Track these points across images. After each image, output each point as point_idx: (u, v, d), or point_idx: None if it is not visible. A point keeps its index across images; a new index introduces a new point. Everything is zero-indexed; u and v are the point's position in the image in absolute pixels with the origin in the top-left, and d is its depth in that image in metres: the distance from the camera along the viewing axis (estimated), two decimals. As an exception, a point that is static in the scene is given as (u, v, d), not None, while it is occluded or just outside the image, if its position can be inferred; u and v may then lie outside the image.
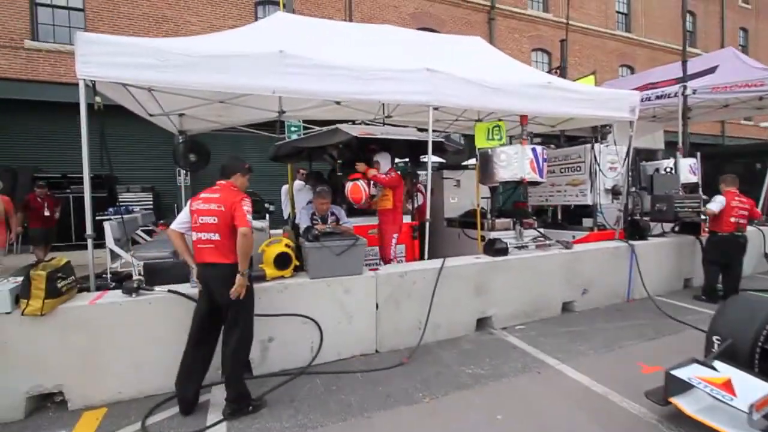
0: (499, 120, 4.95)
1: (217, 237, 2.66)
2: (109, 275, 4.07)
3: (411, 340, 3.69)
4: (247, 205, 2.71)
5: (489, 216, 5.53)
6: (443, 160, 8.22)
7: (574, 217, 7.90)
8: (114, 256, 4.21)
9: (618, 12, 17.78)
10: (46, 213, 7.17)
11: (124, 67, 3.16)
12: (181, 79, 3.39)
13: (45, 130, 10.04)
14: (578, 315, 4.67)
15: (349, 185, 4.45)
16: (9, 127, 9.83)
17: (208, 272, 2.69)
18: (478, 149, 5.02)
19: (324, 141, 4.38)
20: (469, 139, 7.12)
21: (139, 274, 3.35)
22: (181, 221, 2.81)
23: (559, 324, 4.35)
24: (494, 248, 4.24)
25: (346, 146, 5.13)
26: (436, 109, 4.22)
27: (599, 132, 6.19)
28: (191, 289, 2.98)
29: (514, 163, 4.50)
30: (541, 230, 5.48)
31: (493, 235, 5.19)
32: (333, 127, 4.54)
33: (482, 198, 5.44)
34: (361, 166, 4.47)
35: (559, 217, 7.57)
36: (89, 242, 3.15)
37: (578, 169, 6.23)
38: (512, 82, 4.41)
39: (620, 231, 5.49)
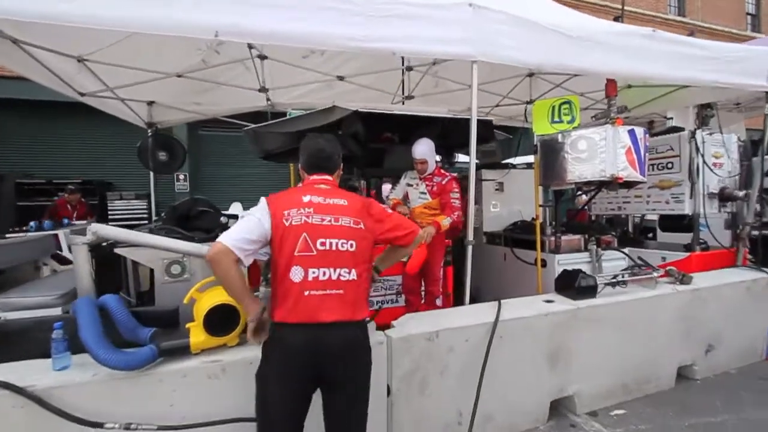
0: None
1: (352, 276, 1.57)
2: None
3: (446, 445, 2.20)
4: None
5: (550, 230, 3.98)
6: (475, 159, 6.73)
7: (645, 231, 6.22)
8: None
9: (670, -6, 15.77)
10: (74, 222, 6.11)
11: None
12: (80, 11, 2.06)
13: (25, 133, 9.14)
14: (702, 386, 3.03)
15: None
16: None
17: (328, 337, 1.54)
18: (539, 137, 3.50)
19: (314, 122, 2.98)
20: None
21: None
22: (245, 236, 1.51)
23: (679, 406, 2.74)
24: (577, 286, 2.69)
25: (352, 137, 3.71)
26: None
27: (700, 115, 4.51)
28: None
29: (601, 153, 2.95)
30: (624, 250, 3.86)
31: (560, 259, 3.63)
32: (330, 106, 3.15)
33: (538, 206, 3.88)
34: (401, 210, 3.14)
35: (630, 230, 5.89)
36: None
37: (669, 166, 4.55)
38: (599, 29, 2.87)
39: (744, 252, 3.81)
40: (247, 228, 1.50)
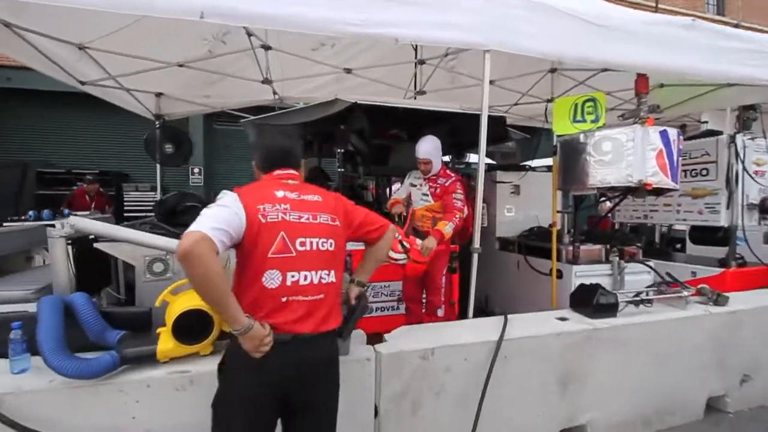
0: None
1: (332, 278, 1.44)
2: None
3: (439, 475, 1.98)
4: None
5: (568, 239, 3.68)
6: (492, 161, 6.41)
7: (672, 241, 5.78)
8: None
9: (708, -8, 14.95)
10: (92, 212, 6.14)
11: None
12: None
13: (45, 123, 9.36)
14: (735, 420, 2.70)
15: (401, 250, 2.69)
16: (4, 118, 9.21)
17: (310, 351, 1.38)
18: (559, 137, 3.22)
19: (314, 114, 2.79)
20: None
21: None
22: (224, 227, 1.26)
23: (710, 444, 2.43)
24: (595, 303, 2.41)
25: (358, 133, 3.52)
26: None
27: (741, 117, 4.11)
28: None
29: (628, 156, 2.65)
30: (650, 263, 3.53)
31: (578, 270, 3.34)
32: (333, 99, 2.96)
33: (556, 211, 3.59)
34: (396, 209, 2.99)
35: (657, 240, 5.49)
36: None
37: (704, 173, 4.17)
38: (629, 18, 2.57)
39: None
40: (224, 218, 1.25)
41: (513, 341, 2.13)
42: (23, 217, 3.79)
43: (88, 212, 5.40)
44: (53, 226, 2.11)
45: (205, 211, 1.28)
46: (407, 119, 3.21)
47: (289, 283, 1.33)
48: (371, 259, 1.66)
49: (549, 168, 5.48)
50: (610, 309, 2.43)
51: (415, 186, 2.96)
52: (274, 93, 4.48)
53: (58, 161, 9.08)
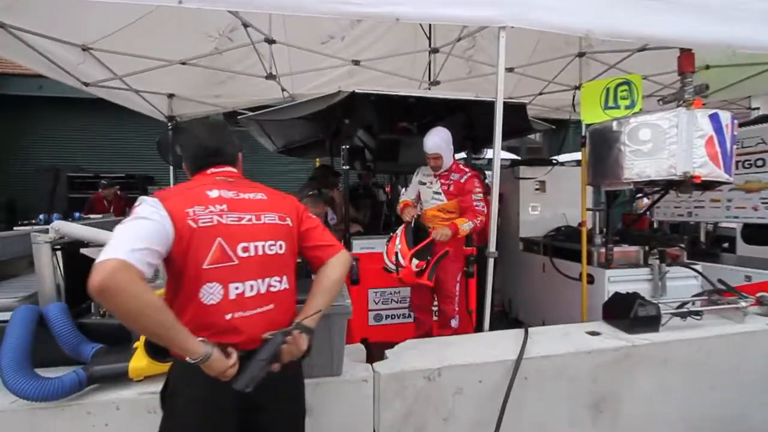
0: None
1: (285, 285, 1.26)
2: None
3: None
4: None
5: (600, 239, 3.32)
6: (515, 156, 6.06)
7: (718, 240, 5.22)
8: None
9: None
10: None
11: None
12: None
13: (76, 128, 9.70)
14: (806, 455, 2.29)
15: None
16: (38, 125, 9.62)
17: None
18: (588, 127, 2.88)
19: (314, 107, 2.60)
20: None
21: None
22: (147, 245, 1.03)
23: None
24: (633, 316, 2.08)
25: (365, 128, 3.30)
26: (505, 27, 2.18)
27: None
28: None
29: (671, 145, 2.29)
30: (697, 267, 3.12)
31: (611, 275, 2.99)
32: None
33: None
34: (408, 212, 2.61)
35: (702, 240, 4.97)
36: None
37: (759, 164, 3.68)
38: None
39: None
40: (145, 234, 1.03)
41: (535, 360, 1.85)
42: (33, 221, 3.82)
43: (100, 216, 5.47)
44: (47, 231, 2.01)
45: (119, 229, 1.04)
46: (418, 111, 2.96)
47: (232, 296, 1.12)
48: (318, 290, 1.25)
49: (578, 162, 5.08)
50: (651, 322, 2.09)
51: (425, 184, 2.71)
52: (283, 90, 4.33)
53: (88, 165, 9.38)
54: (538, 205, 4.24)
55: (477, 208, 2.54)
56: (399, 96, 2.44)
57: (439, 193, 2.58)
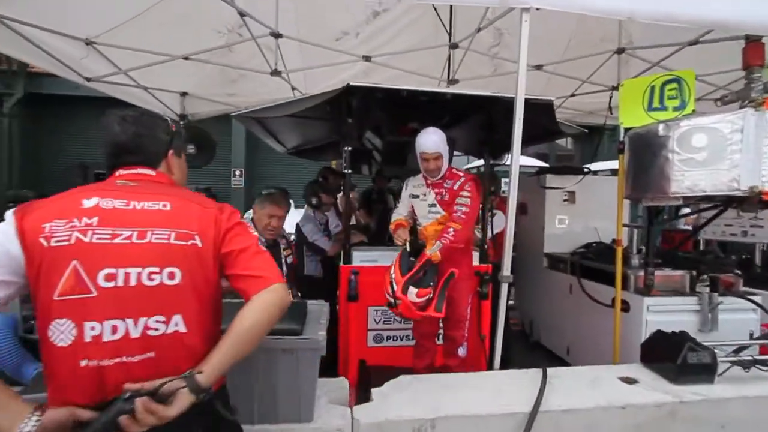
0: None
1: (174, 328, 0.93)
2: None
3: None
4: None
5: (638, 260, 2.90)
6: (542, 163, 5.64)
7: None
8: None
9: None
10: None
11: None
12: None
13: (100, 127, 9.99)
14: None
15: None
16: (71, 124, 9.93)
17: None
18: (627, 131, 2.49)
19: (304, 104, 2.35)
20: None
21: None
22: None
23: None
24: (681, 363, 1.68)
25: (375, 131, 3.04)
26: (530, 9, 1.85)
27: None
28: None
29: (733, 154, 1.88)
30: (755, 299, 2.64)
31: (651, 304, 2.57)
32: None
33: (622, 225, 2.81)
34: (400, 234, 2.25)
35: (758, 262, 4.37)
36: None
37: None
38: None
39: None
40: None
41: (554, 414, 1.50)
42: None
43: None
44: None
45: None
46: (431, 111, 2.66)
47: (88, 338, 0.86)
48: (227, 337, 0.93)
49: (613, 172, 4.61)
50: (704, 372, 1.69)
51: (417, 197, 2.31)
52: (294, 89, 4.14)
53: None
54: (565, 218, 3.83)
55: (455, 215, 2.15)
56: (396, 90, 2.15)
57: (435, 205, 2.25)
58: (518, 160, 1.73)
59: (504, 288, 1.87)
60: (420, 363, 2.32)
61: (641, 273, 2.72)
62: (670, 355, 1.74)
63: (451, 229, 2.10)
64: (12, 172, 9.31)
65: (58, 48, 2.96)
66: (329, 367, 2.33)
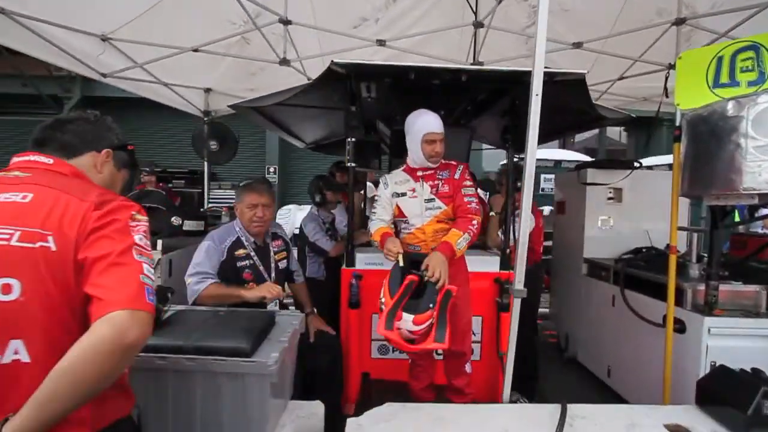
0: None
1: (19, 357, 0.74)
2: None
3: None
4: (139, 232, 0.84)
5: (697, 270, 2.41)
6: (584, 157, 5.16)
7: None
8: None
9: None
10: None
11: None
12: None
13: (150, 127, 10.50)
14: None
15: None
16: (123, 124, 10.52)
17: None
18: (684, 113, 2.04)
19: (300, 88, 2.13)
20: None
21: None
22: None
23: None
24: (752, 412, 1.28)
25: (386, 120, 2.78)
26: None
27: None
28: None
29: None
30: None
31: (713, 326, 2.11)
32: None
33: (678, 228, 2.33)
34: (390, 248, 1.82)
35: None
36: None
37: None
38: None
39: None
40: None
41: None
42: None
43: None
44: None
45: None
46: (448, 97, 2.35)
47: None
48: (48, 377, 0.69)
49: (670, 166, 4.02)
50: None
51: (404, 194, 1.98)
52: (309, 80, 3.98)
53: (159, 161, 10.11)
54: (609, 219, 3.34)
55: (470, 206, 1.87)
56: (393, 68, 1.87)
57: (433, 200, 1.93)
58: (535, 147, 1.40)
59: (516, 304, 1.54)
60: (417, 384, 2.03)
61: (701, 286, 2.24)
62: (736, 401, 1.33)
63: (475, 221, 1.85)
64: (71, 169, 10.07)
65: (75, 45, 2.99)
66: (331, 380, 2.12)
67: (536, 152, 1.41)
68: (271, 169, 10.09)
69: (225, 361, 1.08)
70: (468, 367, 1.96)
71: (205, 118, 4.77)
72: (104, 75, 3.33)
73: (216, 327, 1.21)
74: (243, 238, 1.97)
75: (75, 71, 3.24)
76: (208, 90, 4.68)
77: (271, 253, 2.07)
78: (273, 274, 2.04)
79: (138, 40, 3.22)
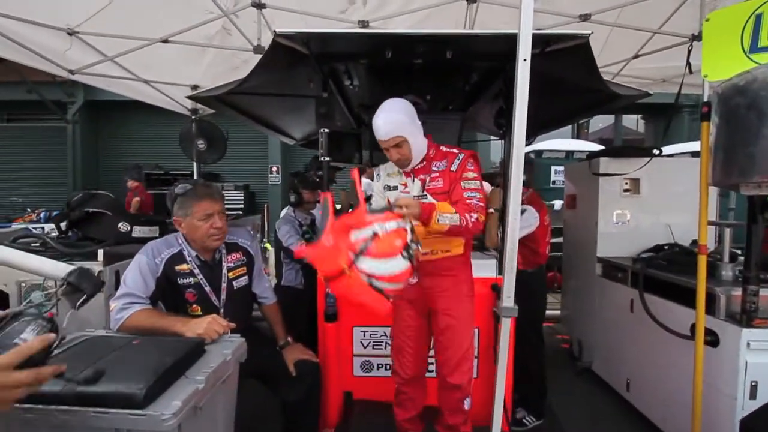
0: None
1: None
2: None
3: None
4: None
5: (731, 272, 2.07)
6: (599, 146, 4.81)
7: None
8: None
9: None
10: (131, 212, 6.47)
11: None
12: None
13: (154, 129, 10.47)
14: None
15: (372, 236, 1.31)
16: (128, 127, 10.51)
17: None
18: (714, 86, 1.70)
19: (258, 71, 1.86)
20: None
21: None
22: None
23: None
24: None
25: (365, 108, 2.50)
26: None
27: None
28: None
29: None
30: None
31: (753, 339, 1.78)
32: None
33: (708, 223, 1.99)
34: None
35: None
36: None
37: None
38: None
39: None
40: None
41: None
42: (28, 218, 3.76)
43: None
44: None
45: None
46: (432, 78, 2.06)
47: None
48: None
49: (695, 154, 3.61)
50: None
51: (395, 188, 1.73)
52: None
53: (163, 164, 10.07)
54: (626, 213, 2.99)
55: (470, 203, 1.55)
56: (351, 35, 1.58)
57: (425, 196, 1.64)
58: (523, 126, 1.10)
59: (505, 324, 1.25)
60: (402, 414, 1.73)
61: (737, 291, 1.90)
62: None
63: (475, 215, 1.52)
64: (75, 173, 10.09)
65: (40, 41, 2.79)
66: (306, 410, 1.85)
67: (524, 134, 1.11)
68: (274, 169, 9.92)
69: (107, 414, 0.82)
70: (467, 403, 1.64)
71: (193, 117, 4.58)
72: (72, 72, 3.14)
73: (115, 363, 0.96)
74: (185, 253, 1.62)
75: (43, 69, 3.05)
76: (195, 87, 4.47)
77: (223, 270, 1.67)
78: (223, 296, 1.65)
79: (107, 32, 3.02)
